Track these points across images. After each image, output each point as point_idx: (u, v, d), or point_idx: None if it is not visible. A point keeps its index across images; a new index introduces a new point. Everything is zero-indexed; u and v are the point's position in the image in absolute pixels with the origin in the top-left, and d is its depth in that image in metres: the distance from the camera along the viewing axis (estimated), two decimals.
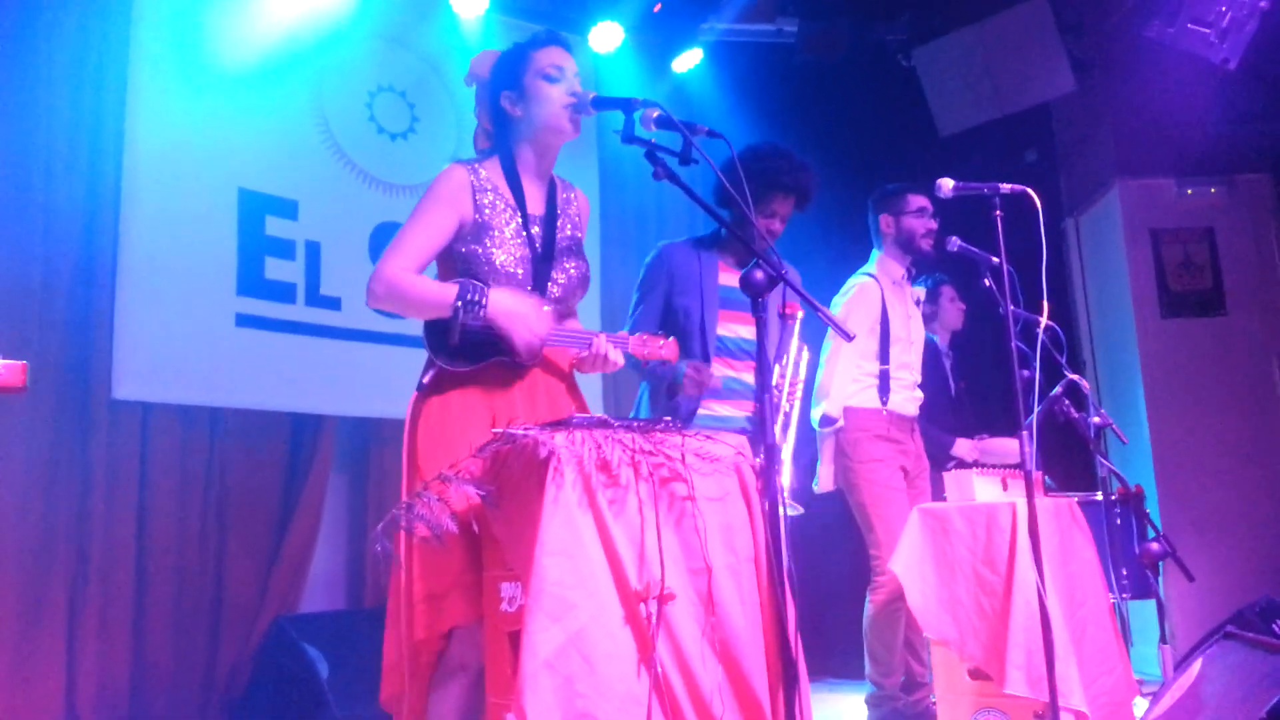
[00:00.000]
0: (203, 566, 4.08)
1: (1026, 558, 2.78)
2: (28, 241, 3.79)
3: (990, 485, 3.30)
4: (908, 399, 3.80)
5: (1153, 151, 5.46)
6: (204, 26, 4.33)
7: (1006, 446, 4.23)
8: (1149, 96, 5.28)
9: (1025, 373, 2.84)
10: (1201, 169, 5.48)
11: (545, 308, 2.23)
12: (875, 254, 3.91)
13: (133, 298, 3.97)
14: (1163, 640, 3.47)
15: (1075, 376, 3.63)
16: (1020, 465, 2.71)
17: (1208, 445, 5.23)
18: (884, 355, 3.74)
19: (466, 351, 2.16)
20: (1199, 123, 5.25)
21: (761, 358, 1.94)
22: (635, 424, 2.00)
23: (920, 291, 4.16)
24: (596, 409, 4.20)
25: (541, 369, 2.29)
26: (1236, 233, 5.49)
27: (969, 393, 4.57)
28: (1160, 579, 3.90)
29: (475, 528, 2.04)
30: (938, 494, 3.75)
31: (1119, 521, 3.94)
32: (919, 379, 3.88)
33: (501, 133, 2.37)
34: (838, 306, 3.80)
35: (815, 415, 3.69)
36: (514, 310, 2.16)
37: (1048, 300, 2.91)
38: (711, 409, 3.10)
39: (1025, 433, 2.70)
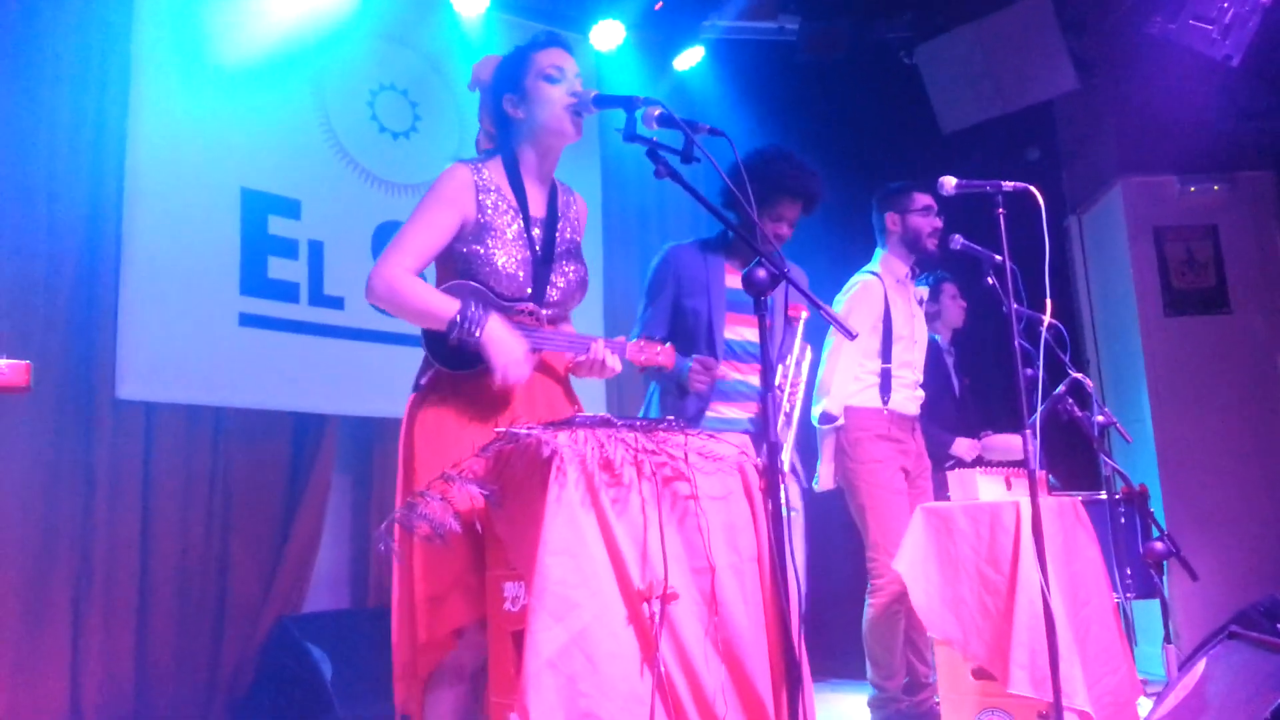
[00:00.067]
0: (206, 566, 4.08)
1: (1030, 557, 2.78)
2: (31, 241, 3.80)
3: (994, 484, 3.29)
4: (909, 398, 3.80)
5: (1155, 149, 5.45)
6: (206, 25, 4.33)
7: (1010, 443, 4.23)
8: (1151, 93, 5.27)
9: (1029, 371, 2.83)
10: (1204, 166, 5.47)
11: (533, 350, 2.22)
12: (879, 252, 3.90)
13: (136, 297, 3.98)
14: (1167, 640, 3.46)
15: (1079, 375, 3.62)
16: (1024, 463, 2.71)
17: (1211, 443, 5.23)
18: (886, 354, 3.73)
19: (464, 355, 2.16)
20: (1202, 120, 5.24)
21: (764, 356, 1.93)
22: (638, 423, 2.00)
23: (923, 291, 4.16)
24: (601, 409, 4.20)
25: (539, 372, 2.29)
26: (1239, 230, 5.48)
27: (972, 391, 4.56)
28: (1164, 578, 3.88)
29: (479, 527, 2.04)
30: (939, 493, 3.75)
31: (1123, 520, 3.94)
32: (921, 378, 3.87)
33: (504, 135, 2.37)
34: (840, 304, 3.79)
35: (815, 412, 3.69)
36: (505, 343, 2.14)
37: (1051, 298, 2.90)
38: (718, 411, 3.10)
39: (1029, 431, 2.69)
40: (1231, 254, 5.46)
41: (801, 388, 2.85)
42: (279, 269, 4.41)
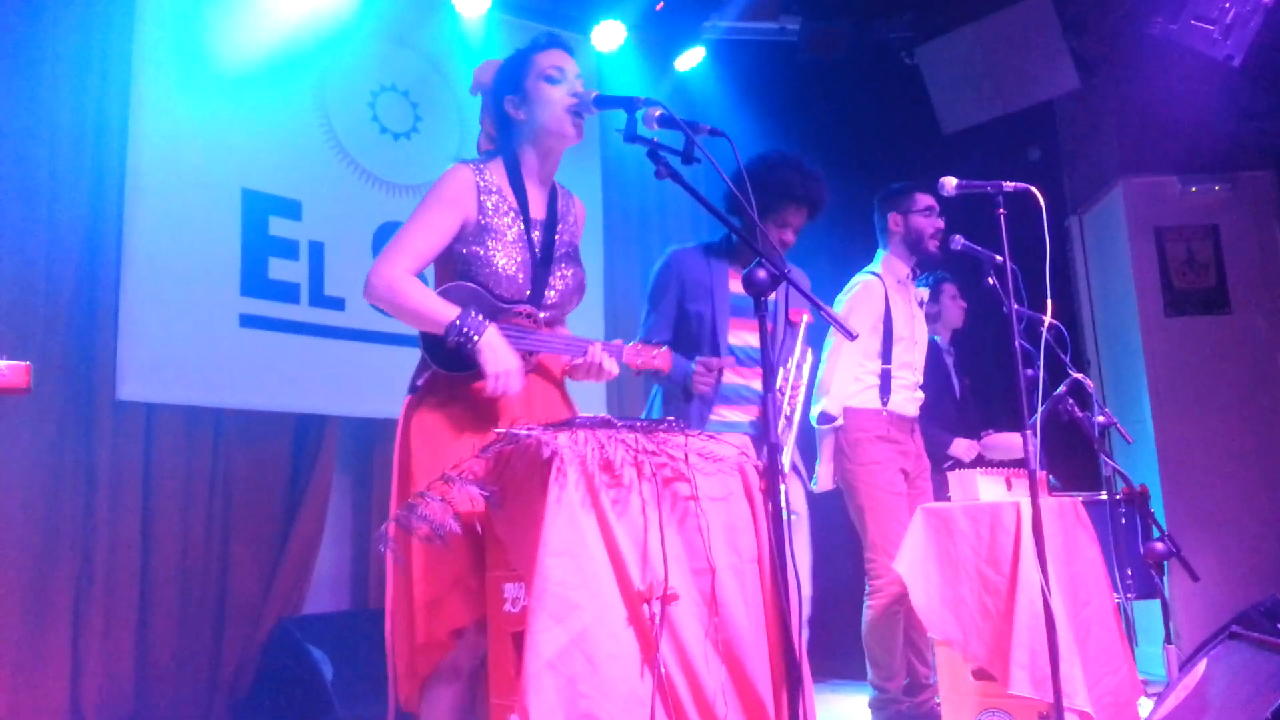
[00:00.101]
0: (207, 567, 4.08)
1: (1030, 557, 2.77)
2: (32, 242, 3.80)
3: (994, 485, 3.29)
4: (908, 399, 3.79)
5: (1156, 149, 5.45)
6: (207, 27, 4.33)
7: (1011, 441, 4.23)
8: (1152, 94, 5.27)
9: (1029, 371, 2.83)
10: (1205, 166, 5.47)
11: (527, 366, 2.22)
12: (880, 253, 3.90)
13: (137, 298, 3.98)
14: (1167, 640, 3.46)
15: (1079, 375, 3.62)
16: (1024, 462, 2.71)
17: (1212, 443, 5.22)
18: (886, 354, 3.73)
19: (462, 357, 2.16)
20: (1203, 120, 5.24)
21: (764, 357, 1.93)
22: (638, 424, 2.00)
23: (924, 293, 4.15)
24: (601, 411, 4.19)
25: (536, 375, 2.29)
26: (1240, 230, 5.48)
27: (973, 391, 4.56)
28: (1165, 578, 3.88)
29: (479, 528, 2.04)
30: (939, 494, 3.75)
31: (1123, 521, 3.94)
32: (920, 380, 3.87)
33: (505, 136, 2.37)
34: (841, 304, 3.79)
35: (814, 412, 3.68)
36: (501, 353, 2.13)
37: (1051, 299, 2.90)
38: (720, 415, 3.10)
39: (1029, 432, 2.69)
40: (1232, 254, 5.46)
41: (802, 391, 2.86)
42: (280, 270, 4.41)
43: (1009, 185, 2.84)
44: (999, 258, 2.89)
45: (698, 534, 1.93)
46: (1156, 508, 4.42)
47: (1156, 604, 3.71)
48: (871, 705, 3.61)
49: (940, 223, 3.81)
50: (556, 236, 2.35)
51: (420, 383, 2.22)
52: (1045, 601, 2.56)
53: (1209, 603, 4.72)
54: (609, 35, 5.49)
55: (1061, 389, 3.60)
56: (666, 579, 1.84)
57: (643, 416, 3.22)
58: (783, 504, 1.86)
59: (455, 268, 2.25)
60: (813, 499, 3.34)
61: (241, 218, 4.32)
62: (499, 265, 2.22)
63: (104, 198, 3.99)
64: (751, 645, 1.92)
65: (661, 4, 5.59)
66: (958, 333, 4.56)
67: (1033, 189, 2.84)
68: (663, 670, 1.79)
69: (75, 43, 4.00)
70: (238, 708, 4.02)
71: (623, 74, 5.70)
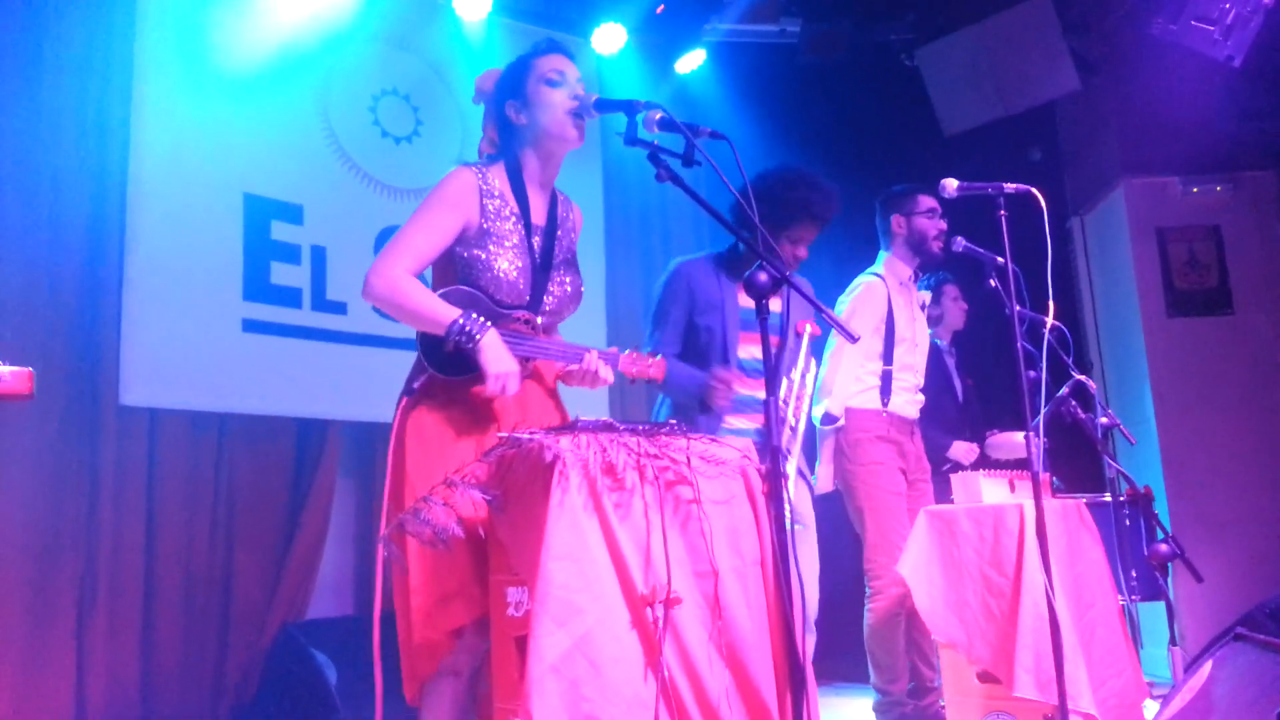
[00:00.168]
0: (210, 571, 4.08)
1: (1034, 560, 2.77)
2: (34, 248, 3.80)
3: (997, 487, 3.29)
4: (909, 401, 3.79)
5: (1158, 150, 5.45)
6: (208, 31, 4.34)
7: (1015, 440, 4.23)
8: (1153, 94, 5.27)
9: (1032, 373, 2.83)
10: (1207, 167, 5.47)
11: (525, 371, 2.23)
12: (883, 255, 3.90)
13: (139, 303, 3.98)
14: (1172, 642, 3.46)
15: (1082, 377, 3.62)
16: (1028, 464, 2.70)
17: (1216, 445, 5.21)
18: (888, 355, 3.73)
19: (459, 361, 2.16)
20: (1204, 120, 5.24)
21: (766, 361, 1.93)
22: (640, 427, 2.00)
23: (926, 295, 4.15)
24: (603, 415, 4.19)
25: (531, 380, 2.30)
26: (1242, 230, 5.47)
27: (976, 392, 4.56)
28: (1169, 580, 3.88)
29: (481, 533, 2.04)
30: (939, 496, 3.75)
31: (1128, 523, 3.93)
32: (921, 382, 3.87)
33: (507, 141, 2.38)
34: (843, 304, 3.79)
35: (817, 413, 3.68)
36: (501, 354, 2.14)
37: (1053, 300, 2.89)
38: (728, 422, 3.09)
39: (1032, 434, 2.69)
40: (1234, 254, 5.45)
41: (806, 401, 2.85)
42: (282, 274, 4.42)
43: (1010, 187, 2.84)
44: (1000, 259, 2.88)
45: (700, 537, 1.93)
46: (1160, 509, 4.42)
47: (1161, 606, 3.71)
48: (876, 709, 3.60)
49: (942, 224, 3.81)
50: (556, 243, 2.35)
51: (416, 385, 2.21)
52: (1049, 604, 2.55)
53: (1213, 604, 4.71)
54: (609, 38, 5.49)
55: (1064, 391, 3.59)
56: (669, 582, 1.84)
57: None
58: (788, 513, 1.85)
59: (455, 271, 2.25)
60: (818, 506, 3.33)
61: (243, 222, 4.33)
62: (499, 269, 2.23)
63: (106, 202, 4.00)
64: (755, 648, 1.91)
65: (662, 7, 5.59)
66: (959, 334, 4.56)
67: (1034, 190, 2.84)
68: (666, 674, 1.79)
69: (77, 47, 4.01)
70: (242, 712, 4.02)
71: (623, 77, 5.70)
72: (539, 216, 2.34)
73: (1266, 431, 5.23)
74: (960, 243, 3.32)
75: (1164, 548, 3.25)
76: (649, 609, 1.81)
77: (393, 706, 2.10)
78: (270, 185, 4.44)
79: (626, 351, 2.36)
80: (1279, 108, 5.19)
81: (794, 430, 2.76)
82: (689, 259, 3.25)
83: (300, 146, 4.58)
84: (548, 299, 2.31)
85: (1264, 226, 5.48)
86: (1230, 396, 5.28)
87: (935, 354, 4.23)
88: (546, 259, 2.32)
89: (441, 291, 2.22)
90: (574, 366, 2.28)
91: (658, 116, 2.03)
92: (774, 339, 3.10)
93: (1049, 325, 2.96)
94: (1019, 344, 2.77)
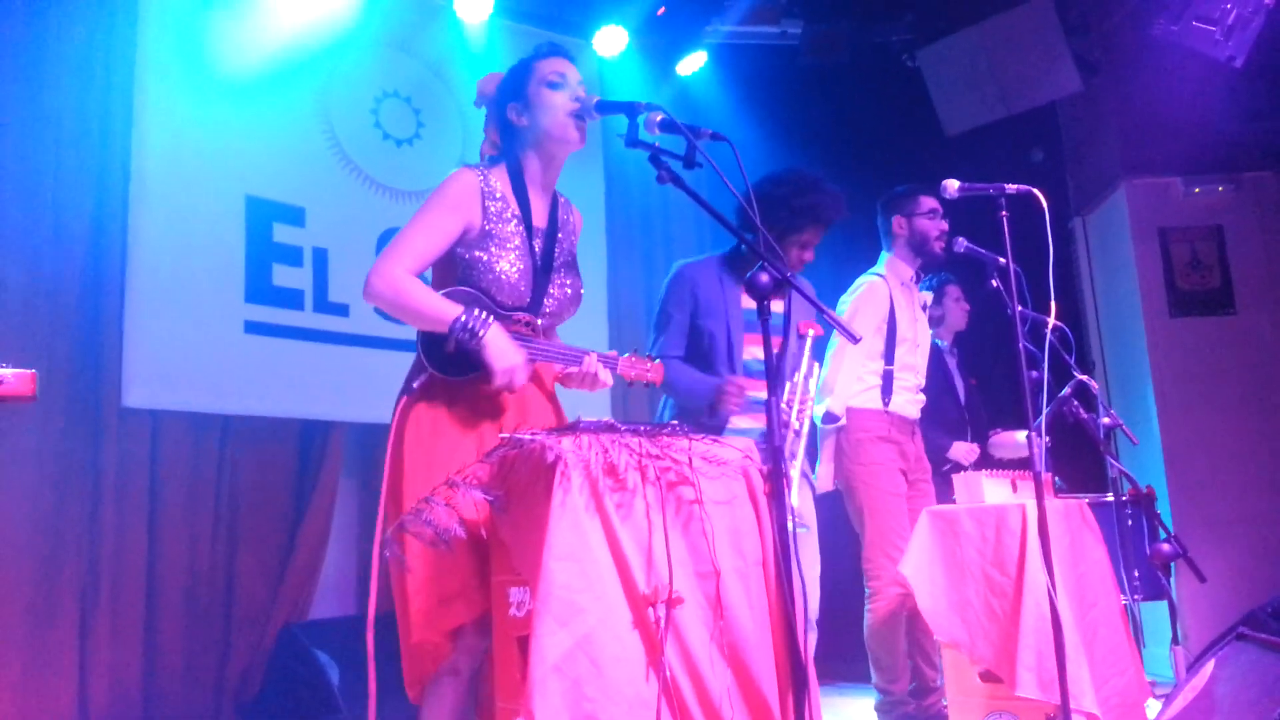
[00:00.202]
0: (213, 573, 4.09)
1: (1037, 559, 2.77)
2: (37, 250, 3.81)
3: (1000, 487, 3.29)
4: (910, 401, 3.79)
5: (1159, 150, 5.44)
6: (209, 33, 4.35)
7: (1018, 439, 4.23)
8: (1155, 95, 5.26)
9: (1034, 373, 2.83)
10: (1209, 167, 5.47)
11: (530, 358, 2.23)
12: (884, 255, 3.90)
13: (142, 305, 3.99)
14: (1175, 641, 3.46)
15: (1084, 377, 3.62)
16: (1029, 464, 2.70)
17: (1218, 445, 5.21)
18: (889, 355, 3.73)
19: (460, 362, 2.16)
20: (1205, 121, 5.24)
21: (768, 361, 1.93)
22: (642, 428, 2.00)
23: (927, 296, 4.15)
24: (605, 416, 4.19)
25: (530, 381, 2.30)
26: (1244, 231, 5.47)
27: (979, 392, 4.56)
28: (1172, 580, 3.88)
29: (483, 533, 2.04)
30: (940, 497, 3.75)
31: (1130, 522, 3.93)
32: (922, 382, 3.87)
33: (508, 144, 2.38)
34: (845, 304, 3.79)
35: (818, 412, 3.68)
36: (507, 352, 2.15)
37: (1055, 300, 2.89)
38: (732, 423, 3.10)
39: (1034, 433, 2.69)
40: (1237, 255, 5.45)
41: (810, 405, 2.86)
42: (284, 276, 4.42)
43: (1011, 187, 2.84)
44: (1002, 260, 2.88)
45: (702, 537, 1.93)
46: (1163, 509, 4.42)
47: (1164, 605, 3.72)
48: (878, 708, 3.60)
49: (944, 225, 3.81)
50: (557, 245, 2.36)
51: (416, 385, 2.21)
52: (1052, 603, 2.55)
53: (1216, 604, 4.71)
54: (611, 40, 5.50)
55: (1066, 391, 3.59)
56: (671, 582, 1.84)
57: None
58: (793, 516, 1.86)
59: (456, 272, 2.25)
60: (818, 505, 3.34)
61: (245, 224, 4.33)
62: (501, 271, 2.23)
63: (108, 205, 4.01)
64: (757, 648, 1.91)
65: (663, 9, 5.60)
66: (961, 335, 4.56)
67: (1035, 191, 2.84)
68: (668, 673, 1.79)
69: (79, 50, 4.02)
70: (244, 712, 4.03)
71: (625, 79, 5.71)
72: (540, 219, 2.35)
73: (1269, 431, 5.22)
74: (962, 243, 3.32)
75: (1166, 547, 3.26)
76: (651, 609, 1.82)
77: (394, 706, 2.11)
78: (272, 187, 4.44)
79: (626, 355, 2.37)
80: None
81: (798, 434, 2.77)
82: (691, 261, 3.25)
83: (302, 149, 4.59)
84: (548, 301, 2.32)
85: (1266, 227, 5.47)
86: (1232, 396, 5.27)
87: (936, 355, 4.23)
88: (547, 261, 2.32)
89: (443, 292, 2.22)
90: (573, 369, 2.29)
91: (659, 118, 2.04)
92: (776, 339, 3.10)
93: (1051, 325, 2.96)
94: (1021, 344, 2.77)
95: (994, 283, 3.15)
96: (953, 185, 2.90)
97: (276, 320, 4.36)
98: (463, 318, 2.12)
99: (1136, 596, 3.85)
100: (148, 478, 3.97)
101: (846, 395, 3.68)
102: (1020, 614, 2.86)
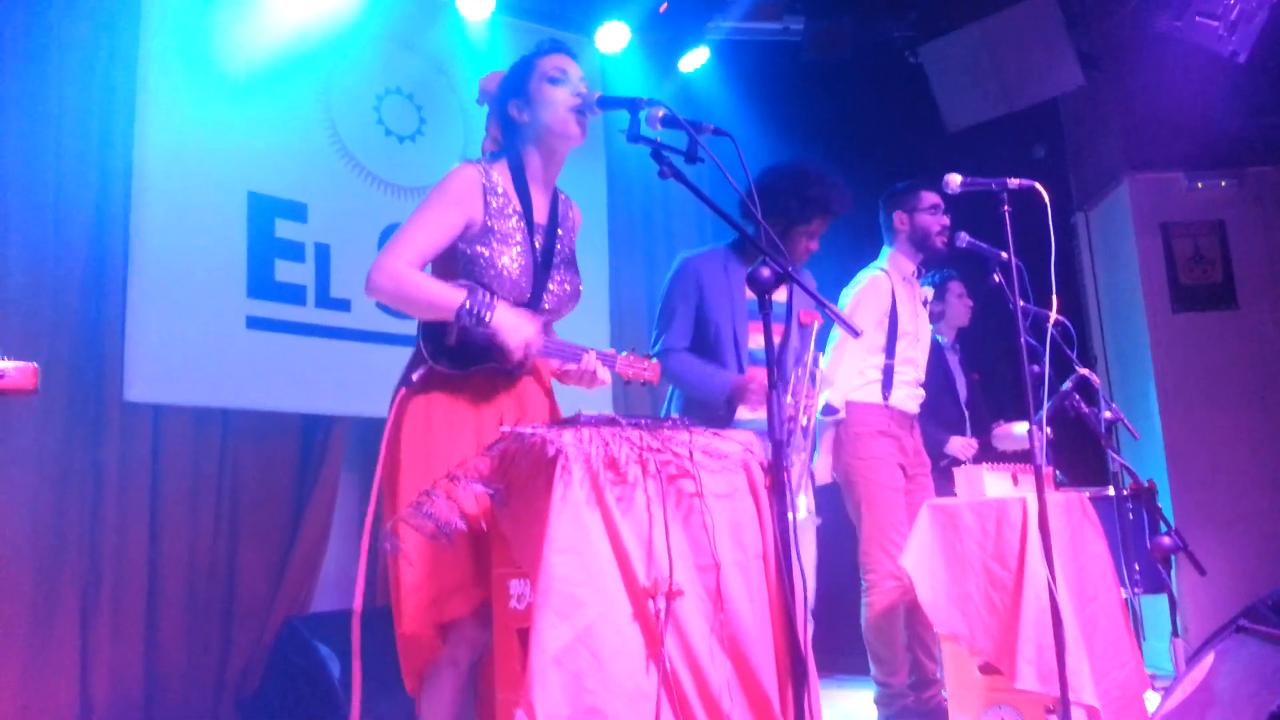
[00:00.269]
0: (214, 567, 4.10)
1: (1037, 553, 2.77)
2: (39, 244, 3.82)
3: (1000, 481, 3.29)
4: (909, 395, 3.80)
5: (1162, 145, 5.44)
6: (212, 31, 4.35)
7: (1017, 431, 4.24)
8: (1158, 90, 5.26)
9: (1035, 368, 2.83)
10: (1211, 162, 5.46)
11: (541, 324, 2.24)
12: (886, 250, 3.91)
13: (144, 300, 4.00)
14: (1175, 634, 3.46)
15: (1086, 371, 3.62)
16: (1030, 456, 2.71)
17: (1219, 439, 5.21)
18: (890, 349, 3.73)
19: (461, 355, 2.17)
20: (1208, 116, 5.23)
21: (769, 354, 1.94)
22: (643, 422, 2.01)
23: (928, 292, 4.16)
24: (607, 410, 4.21)
25: (530, 377, 2.31)
26: (1247, 226, 5.46)
27: (983, 387, 4.56)
28: (1172, 573, 3.88)
29: (483, 526, 2.05)
30: (938, 491, 3.76)
31: (1131, 516, 3.93)
32: (922, 377, 3.88)
33: (510, 140, 2.38)
34: (847, 298, 3.80)
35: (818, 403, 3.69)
36: (517, 324, 2.17)
37: (1057, 295, 2.90)
38: (739, 412, 3.10)
39: (1035, 427, 2.69)
40: (1239, 250, 5.45)
41: (817, 399, 2.86)
42: (286, 272, 4.43)
43: (1014, 182, 2.84)
44: (1004, 255, 2.89)
45: (702, 530, 1.94)
46: (1164, 503, 4.42)
47: (1164, 598, 3.72)
48: (877, 701, 3.61)
49: (946, 220, 3.81)
50: (557, 241, 2.36)
51: (415, 377, 2.22)
52: (1052, 596, 2.56)
53: (1216, 597, 4.71)
54: (613, 37, 5.49)
55: (1068, 385, 3.60)
56: (671, 575, 1.85)
57: (663, 414, 3.22)
58: (805, 504, 1.86)
59: (457, 267, 2.25)
60: (818, 496, 3.34)
61: (247, 220, 4.34)
62: (502, 266, 2.23)
63: (110, 200, 4.01)
64: (757, 640, 1.92)
65: (665, 5, 5.59)
66: (963, 331, 4.56)
67: (1037, 185, 2.84)
68: (668, 665, 1.80)
69: (82, 47, 4.02)
70: (246, 706, 4.04)
71: (627, 76, 5.71)
72: (541, 215, 2.35)
73: (1270, 426, 5.22)
74: (964, 238, 3.33)
75: (1167, 540, 3.26)
76: (651, 601, 1.82)
77: (393, 700, 2.12)
78: (274, 183, 4.45)
79: (624, 353, 2.37)
80: None
81: (805, 430, 2.77)
82: (695, 253, 3.26)
83: (304, 145, 4.59)
84: (548, 297, 2.32)
85: (1269, 222, 5.47)
86: (1234, 391, 5.27)
87: (937, 351, 4.24)
88: (547, 257, 2.32)
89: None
90: (571, 366, 2.29)
91: (660, 114, 2.04)
92: (779, 328, 3.12)
93: (1053, 320, 2.96)
94: (1023, 339, 2.78)
95: (996, 278, 3.15)
96: (955, 180, 2.90)
97: (278, 315, 4.37)
98: (468, 303, 2.13)
99: (1137, 590, 3.86)
100: (149, 472, 3.98)
101: (846, 389, 3.68)
102: (1020, 607, 2.87)
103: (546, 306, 2.32)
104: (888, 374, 3.71)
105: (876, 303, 3.73)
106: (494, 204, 2.26)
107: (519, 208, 2.30)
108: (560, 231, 2.38)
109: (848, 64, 5.76)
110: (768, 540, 2.02)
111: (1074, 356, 3.52)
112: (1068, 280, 5.65)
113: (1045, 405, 2.93)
